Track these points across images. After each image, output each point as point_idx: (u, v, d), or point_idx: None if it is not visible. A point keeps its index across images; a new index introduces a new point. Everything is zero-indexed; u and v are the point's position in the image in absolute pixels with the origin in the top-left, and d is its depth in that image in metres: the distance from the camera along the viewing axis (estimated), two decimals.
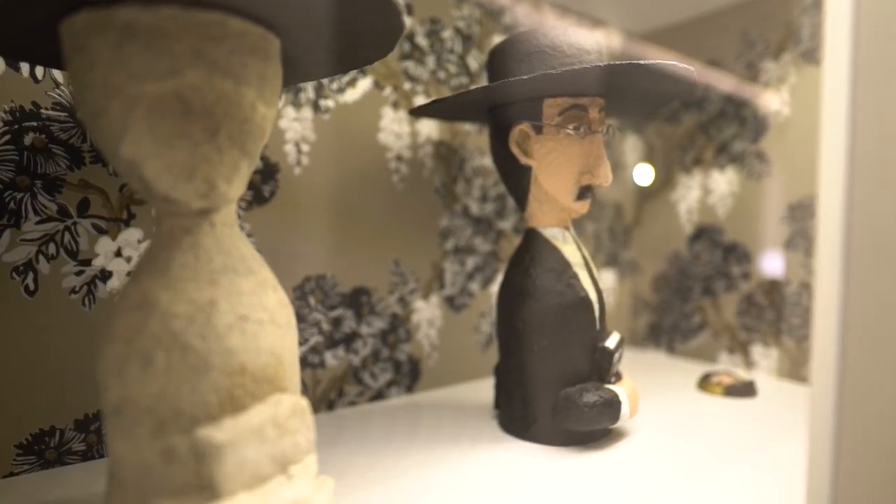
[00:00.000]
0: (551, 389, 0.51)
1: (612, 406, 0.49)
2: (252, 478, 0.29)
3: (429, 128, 0.67)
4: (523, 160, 0.51)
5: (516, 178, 0.53)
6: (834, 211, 0.29)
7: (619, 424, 0.51)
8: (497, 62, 0.51)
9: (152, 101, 0.28)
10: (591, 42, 0.50)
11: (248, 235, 0.54)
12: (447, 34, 0.68)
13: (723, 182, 0.80)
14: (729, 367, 0.79)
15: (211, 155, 0.30)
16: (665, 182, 0.87)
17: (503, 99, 0.50)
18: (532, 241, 0.53)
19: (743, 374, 0.76)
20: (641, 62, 0.41)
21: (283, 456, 0.31)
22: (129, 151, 0.29)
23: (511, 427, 0.54)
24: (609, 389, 0.50)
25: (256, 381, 0.30)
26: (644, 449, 0.50)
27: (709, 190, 0.81)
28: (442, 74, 0.67)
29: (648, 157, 0.90)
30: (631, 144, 0.91)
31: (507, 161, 0.52)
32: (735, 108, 0.78)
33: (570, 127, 0.49)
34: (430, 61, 0.66)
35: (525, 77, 0.42)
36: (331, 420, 0.58)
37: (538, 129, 0.50)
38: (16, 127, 0.43)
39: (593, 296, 0.52)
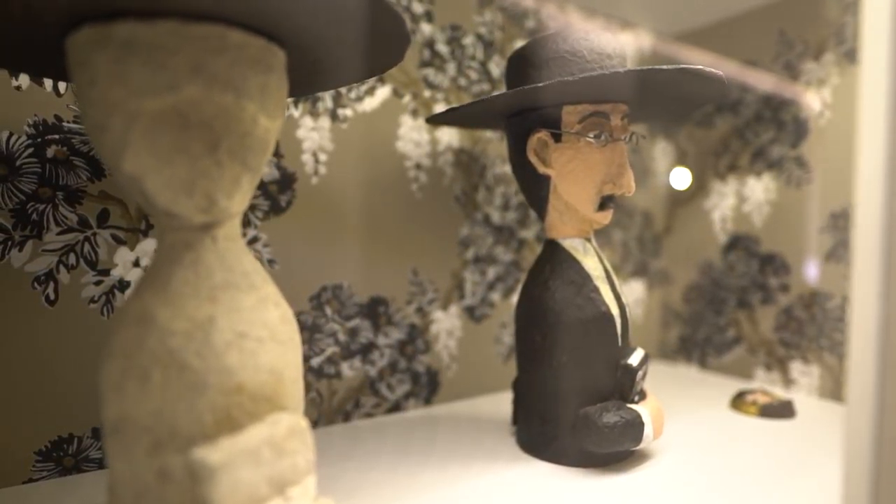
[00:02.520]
0: (571, 407, 0.49)
1: (634, 427, 0.47)
2: (248, 500, 0.28)
3: (449, 135, 0.66)
4: (542, 169, 0.49)
5: (535, 188, 0.51)
6: (872, 220, 0.26)
7: (642, 446, 0.48)
8: (515, 68, 0.50)
9: (152, 116, 0.28)
10: (613, 46, 0.48)
11: (265, 245, 0.54)
12: (468, 40, 0.67)
13: (759, 189, 0.76)
14: (765, 385, 0.75)
15: (210, 169, 0.29)
16: (698, 189, 0.84)
17: (520, 106, 0.48)
18: (552, 253, 0.52)
19: (781, 392, 0.72)
20: (662, 67, 0.39)
21: (280, 477, 0.30)
22: (130, 166, 0.28)
23: (529, 445, 0.52)
24: (631, 409, 0.48)
25: (254, 400, 0.30)
26: (669, 473, 0.48)
27: (744, 197, 0.78)
28: (463, 81, 0.66)
29: (680, 163, 0.87)
30: (661, 150, 0.88)
31: (525, 170, 0.51)
32: (772, 111, 0.74)
33: (591, 135, 0.47)
34: (451, 68, 0.65)
35: (539, 84, 0.41)
36: (346, 432, 0.57)
37: (557, 138, 0.48)
38: (39, 140, 0.44)
39: (615, 310, 0.50)
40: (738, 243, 0.79)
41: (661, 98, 0.51)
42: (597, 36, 0.47)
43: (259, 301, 0.31)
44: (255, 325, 0.31)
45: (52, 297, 0.45)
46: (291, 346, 0.33)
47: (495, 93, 0.67)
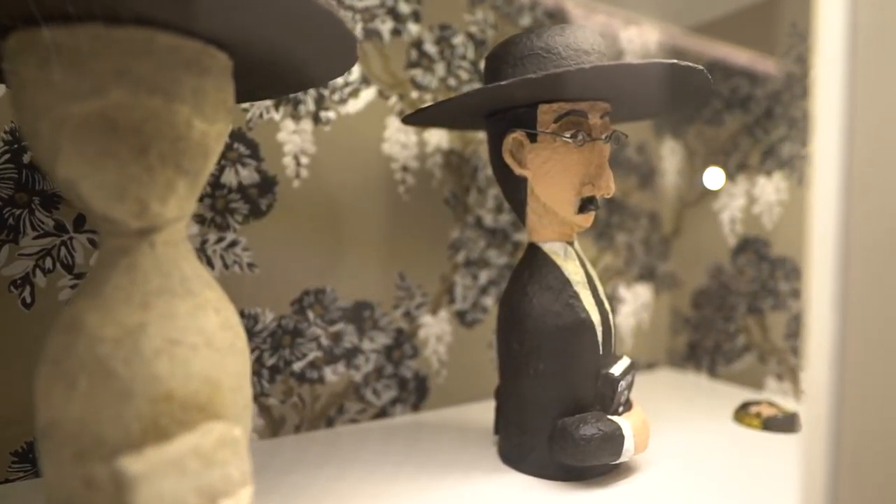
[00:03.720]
0: (549, 418, 0.47)
1: (612, 441, 0.45)
2: None
3: (438, 137, 0.65)
4: (518, 171, 0.47)
5: (513, 191, 0.49)
6: (827, 228, 0.24)
7: (622, 460, 0.46)
8: (491, 67, 0.48)
9: (78, 121, 0.27)
10: (590, 42, 0.45)
11: (245, 249, 0.54)
12: (458, 40, 0.65)
13: (770, 189, 0.72)
14: (773, 397, 0.71)
15: (140, 174, 0.29)
16: (706, 189, 0.80)
17: (495, 105, 0.47)
18: (532, 257, 0.50)
19: (789, 404, 0.68)
20: (631, 62, 0.37)
21: (210, 489, 0.29)
22: (62, 171, 0.28)
23: (508, 456, 0.50)
24: (611, 421, 0.46)
25: (186, 409, 0.29)
26: (651, 489, 0.45)
27: (754, 198, 0.74)
28: (453, 81, 0.65)
29: (688, 163, 0.83)
30: (670, 149, 0.84)
31: (503, 172, 0.49)
32: (784, 107, 0.70)
33: (567, 134, 0.45)
34: (440, 68, 0.64)
35: (503, 83, 0.39)
36: (327, 438, 0.56)
37: (533, 138, 0.46)
38: (15, 146, 0.45)
39: (596, 317, 0.47)
40: (748, 246, 0.75)
41: (645, 95, 0.49)
42: (573, 32, 0.45)
43: (196, 307, 0.31)
44: (189, 332, 0.30)
45: (28, 300, 0.46)
46: (232, 353, 0.32)
47: None
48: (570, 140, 0.45)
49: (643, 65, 0.38)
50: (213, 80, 0.31)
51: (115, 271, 0.30)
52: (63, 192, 0.29)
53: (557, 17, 0.72)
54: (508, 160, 0.47)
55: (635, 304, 0.82)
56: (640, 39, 0.80)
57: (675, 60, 0.39)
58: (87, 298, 0.29)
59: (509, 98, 0.44)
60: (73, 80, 0.27)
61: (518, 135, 0.47)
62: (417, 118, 0.51)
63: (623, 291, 0.81)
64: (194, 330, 0.30)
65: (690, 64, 0.40)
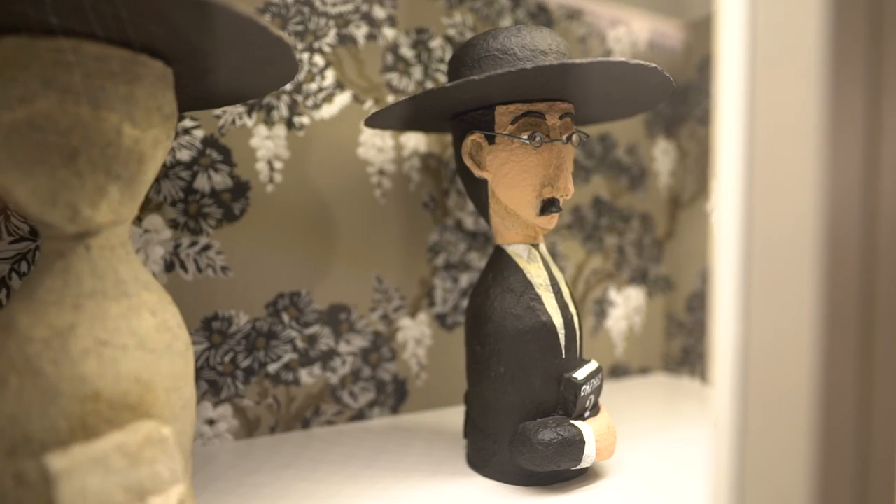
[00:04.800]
0: (510, 422, 0.47)
1: (571, 446, 0.44)
2: None
3: (415, 140, 0.65)
4: (477, 173, 0.47)
5: (475, 193, 0.49)
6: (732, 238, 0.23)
7: (582, 466, 0.45)
8: (452, 69, 0.48)
9: (8, 128, 0.28)
10: (548, 42, 0.45)
11: (218, 253, 0.55)
12: (436, 43, 0.65)
13: None
14: None
15: (70, 180, 0.30)
16: (700, 190, 0.79)
17: (452, 107, 0.47)
18: (496, 260, 0.50)
19: None
20: (574, 61, 0.37)
21: (139, 486, 0.30)
22: None
23: (473, 460, 0.50)
24: (572, 426, 0.45)
25: (114, 408, 0.30)
26: (614, 497, 0.44)
27: None
28: (431, 84, 0.65)
29: (681, 163, 0.81)
30: (662, 150, 0.83)
31: (465, 174, 0.49)
32: None
33: (524, 136, 0.45)
34: (417, 72, 0.64)
35: (447, 85, 0.39)
36: (300, 439, 0.57)
37: (490, 139, 0.46)
38: None
39: (558, 320, 0.47)
40: None
41: (607, 95, 0.48)
42: (529, 32, 0.45)
43: (129, 309, 0.32)
44: (119, 333, 0.31)
45: (4, 302, 0.47)
46: (168, 354, 0.33)
47: None
48: (527, 141, 0.45)
49: (587, 64, 0.38)
50: (145, 88, 0.32)
51: (50, 274, 0.31)
52: (3, 198, 0.30)
53: (540, 18, 0.72)
54: (468, 162, 0.47)
55: (627, 307, 0.81)
56: (629, 38, 0.79)
57: (623, 59, 0.38)
58: (21, 300, 0.30)
59: (461, 100, 0.44)
60: (0, 89, 0.28)
61: (476, 137, 0.47)
62: (377, 121, 0.51)
63: (614, 295, 0.80)
64: (126, 331, 0.31)
65: (642, 62, 0.39)
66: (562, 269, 0.75)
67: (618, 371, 0.80)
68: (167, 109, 0.34)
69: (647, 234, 0.83)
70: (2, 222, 0.47)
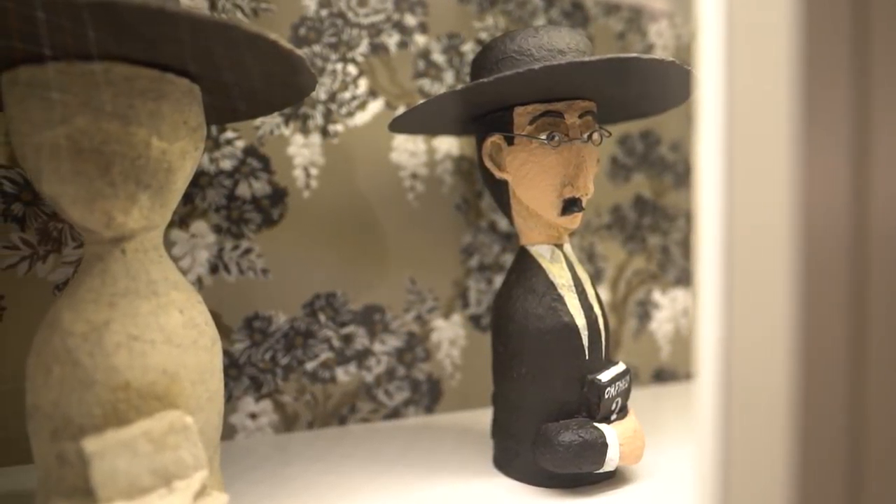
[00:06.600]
0: (532, 423, 0.46)
1: (593, 449, 0.43)
2: (130, 487, 0.31)
3: (448, 144, 0.66)
4: (498, 174, 0.48)
5: (497, 194, 0.50)
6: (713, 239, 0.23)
7: (605, 470, 0.44)
8: (473, 71, 0.49)
9: (51, 145, 0.32)
10: (566, 41, 0.45)
11: (259, 256, 0.58)
12: (467, 47, 0.66)
13: None
14: None
15: (104, 189, 0.33)
16: None
17: (473, 110, 0.47)
18: (519, 260, 0.50)
19: None
20: (582, 60, 0.37)
21: (165, 470, 0.32)
22: (46, 189, 0.33)
23: (498, 460, 0.50)
24: (595, 429, 0.44)
25: (142, 398, 0.33)
26: (640, 502, 0.43)
27: None
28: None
29: None
30: None
31: (487, 176, 0.50)
32: None
33: (543, 136, 0.45)
34: (449, 76, 0.65)
35: (458, 89, 0.40)
36: (335, 435, 0.59)
37: (509, 140, 0.46)
38: None
39: (581, 321, 0.46)
40: None
41: (635, 91, 0.47)
42: (547, 32, 0.45)
43: (159, 307, 0.35)
44: (148, 329, 0.34)
45: None
46: (194, 349, 0.35)
47: None
48: (545, 141, 0.45)
49: (597, 61, 0.37)
50: (170, 104, 0.34)
51: (90, 275, 0.34)
52: (54, 207, 0.34)
53: (575, 17, 0.71)
54: (488, 164, 0.48)
55: (673, 309, 0.78)
56: (673, 31, 0.76)
57: (636, 54, 0.38)
58: (66, 298, 0.34)
59: (478, 102, 0.45)
60: (44, 110, 0.31)
61: (496, 138, 0.47)
62: (398, 125, 0.52)
63: (658, 296, 0.77)
64: (154, 327, 0.34)
65: (657, 57, 0.38)
66: (599, 271, 0.74)
67: (663, 375, 0.78)
68: (193, 122, 0.36)
69: (693, 233, 0.79)
70: (66, 230, 0.52)
